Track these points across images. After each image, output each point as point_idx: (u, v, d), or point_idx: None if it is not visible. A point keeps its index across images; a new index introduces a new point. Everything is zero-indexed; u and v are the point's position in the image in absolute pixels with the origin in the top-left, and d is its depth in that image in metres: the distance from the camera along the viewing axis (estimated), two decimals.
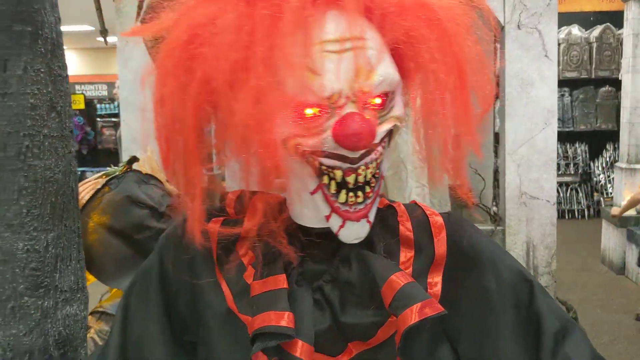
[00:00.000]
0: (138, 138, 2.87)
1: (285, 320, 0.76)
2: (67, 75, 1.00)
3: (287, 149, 0.72)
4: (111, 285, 1.45)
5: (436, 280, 0.84)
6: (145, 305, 0.89)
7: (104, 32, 2.47)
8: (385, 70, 0.73)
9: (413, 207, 0.89)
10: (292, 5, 0.69)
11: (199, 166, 0.77)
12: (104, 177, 1.48)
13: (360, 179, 0.74)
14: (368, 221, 0.78)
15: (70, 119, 1.01)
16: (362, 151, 0.73)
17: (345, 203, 0.75)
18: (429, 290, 0.84)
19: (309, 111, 0.71)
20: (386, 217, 0.86)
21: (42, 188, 0.95)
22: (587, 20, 9.16)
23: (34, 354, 0.95)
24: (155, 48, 0.80)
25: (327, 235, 0.80)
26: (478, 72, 0.80)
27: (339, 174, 0.73)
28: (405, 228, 0.86)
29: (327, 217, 0.76)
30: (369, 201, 0.76)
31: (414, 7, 0.75)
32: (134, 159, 1.53)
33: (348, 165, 0.73)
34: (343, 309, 0.81)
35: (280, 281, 0.79)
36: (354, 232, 0.77)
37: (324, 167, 0.73)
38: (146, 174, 1.55)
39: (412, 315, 0.75)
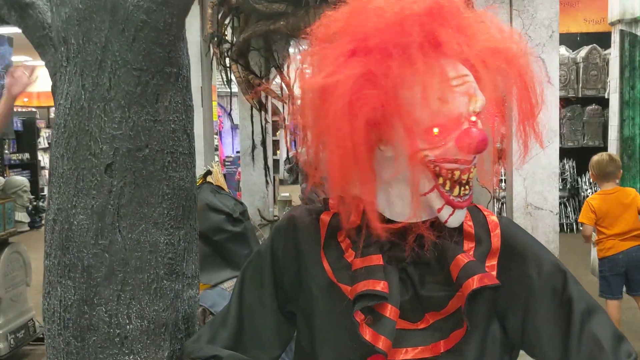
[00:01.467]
0: None
1: (381, 286, 1.01)
2: (193, 105, 1.25)
3: (414, 160, 0.97)
4: None
5: (492, 264, 1.08)
6: (258, 279, 1.15)
7: None
8: (482, 97, 0.99)
9: (474, 209, 1.14)
10: (426, 58, 0.95)
11: (370, 183, 1.02)
12: None
13: (472, 175, 1.00)
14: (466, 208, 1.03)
15: (194, 140, 1.26)
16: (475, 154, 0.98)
17: (458, 195, 1.00)
18: None
19: (435, 130, 0.96)
20: None
21: (177, 195, 1.19)
22: (574, 41, 9.47)
23: (168, 326, 1.19)
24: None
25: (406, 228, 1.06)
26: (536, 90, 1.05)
27: (457, 173, 0.98)
28: (468, 225, 1.11)
29: (439, 210, 1.01)
30: (471, 192, 1.02)
31: (498, 52, 1.00)
32: (208, 172, 1.78)
33: (465, 166, 0.98)
34: (422, 284, 1.05)
35: (377, 259, 1.04)
36: (459, 217, 1.02)
37: (444, 170, 0.98)
38: (216, 185, 1.80)
39: (474, 282, 0.99)
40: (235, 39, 2.77)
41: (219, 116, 11.37)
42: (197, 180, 1.79)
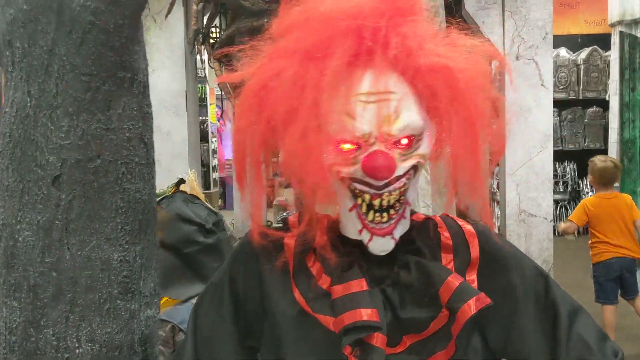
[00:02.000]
0: (162, 160, 3.07)
1: (370, 314, 0.93)
2: (152, 112, 1.17)
3: (330, 173, 0.91)
4: (162, 294, 1.61)
5: (472, 278, 1.02)
6: (216, 312, 1.06)
7: None
8: (409, 118, 0.91)
9: (447, 219, 1.07)
10: (335, 65, 0.88)
11: (261, 181, 0.99)
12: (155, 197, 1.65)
13: (384, 202, 0.92)
14: (393, 238, 0.95)
15: (153, 149, 1.18)
16: (386, 181, 0.90)
17: (373, 221, 0.93)
18: None
19: (346, 146, 0.91)
20: (428, 228, 1.05)
21: (133, 208, 1.11)
22: (574, 42, 9.39)
23: (123, 350, 1.11)
24: (234, 93, 1.03)
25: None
26: (489, 126, 0.97)
27: (367, 197, 0.92)
28: (445, 237, 1.04)
29: (360, 231, 0.95)
30: (392, 221, 0.94)
31: (437, 69, 0.92)
32: (181, 181, 1.71)
33: (374, 190, 0.91)
34: (402, 307, 0.98)
35: (360, 284, 0.96)
36: (380, 246, 0.95)
37: (357, 190, 0.92)
38: (191, 194, 1.72)
39: (471, 307, 0.94)
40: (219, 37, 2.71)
41: (218, 119, 11.30)
42: (169, 189, 1.72)
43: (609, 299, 4.32)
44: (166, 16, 2.57)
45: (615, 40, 6.24)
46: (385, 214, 0.93)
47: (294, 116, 0.90)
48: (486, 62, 0.98)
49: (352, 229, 0.98)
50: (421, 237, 1.03)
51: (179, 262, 1.60)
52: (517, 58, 2.70)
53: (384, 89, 0.90)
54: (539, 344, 1.01)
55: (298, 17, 0.94)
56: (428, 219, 1.07)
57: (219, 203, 10.55)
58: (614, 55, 6.33)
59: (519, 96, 2.73)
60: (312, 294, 0.99)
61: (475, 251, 1.03)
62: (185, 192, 1.70)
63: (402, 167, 0.92)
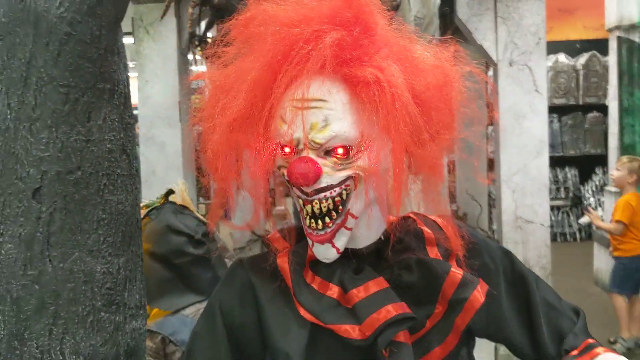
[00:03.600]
0: (157, 170, 3.07)
1: (405, 307, 0.94)
2: (134, 123, 1.17)
3: (279, 175, 0.95)
4: (153, 305, 1.61)
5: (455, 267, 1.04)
6: (210, 337, 1.05)
7: None
8: (339, 128, 0.90)
9: (418, 215, 1.10)
10: (285, 72, 0.90)
11: (229, 175, 1.01)
12: (144, 208, 1.65)
13: (316, 209, 0.92)
14: (334, 246, 0.94)
15: (136, 160, 1.18)
16: (315, 188, 0.91)
17: (310, 227, 0.94)
18: None
19: (286, 149, 0.92)
20: (408, 225, 1.06)
21: (115, 219, 1.11)
22: (573, 48, 9.37)
23: None
24: None
25: (375, 249, 1.00)
26: (422, 145, 0.94)
27: (300, 202, 0.93)
28: (426, 231, 1.06)
29: (306, 234, 0.96)
30: (328, 230, 0.93)
31: (370, 82, 0.89)
32: (170, 192, 1.70)
33: (305, 197, 0.92)
34: None
35: (382, 282, 0.97)
36: (320, 253, 0.95)
37: (295, 195, 0.94)
38: (180, 204, 1.72)
39: (479, 295, 0.98)
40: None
41: None
42: (159, 200, 1.71)
43: (622, 290, 4.44)
44: (162, 17, 2.58)
45: (613, 45, 6.23)
46: (320, 222, 0.93)
47: (248, 118, 0.94)
48: (452, 79, 0.97)
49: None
50: (406, 234, 1.04)
51: (170, 274, 1.59)
52: (510, 64, 2.69)
53: (316, 97, 0.90)
54: (516, 315, 1.06)
55: (255, 22, 0.95)
56: (403, 217, 1.08)
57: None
58: (612, 60, 6.31)
59: (513, 102, 2.73)
60: (322, 308, 0.97)
61: (454, 240, 1.05)
62: (174, 203, 1.70)
63: (337, 176, 0.91)
